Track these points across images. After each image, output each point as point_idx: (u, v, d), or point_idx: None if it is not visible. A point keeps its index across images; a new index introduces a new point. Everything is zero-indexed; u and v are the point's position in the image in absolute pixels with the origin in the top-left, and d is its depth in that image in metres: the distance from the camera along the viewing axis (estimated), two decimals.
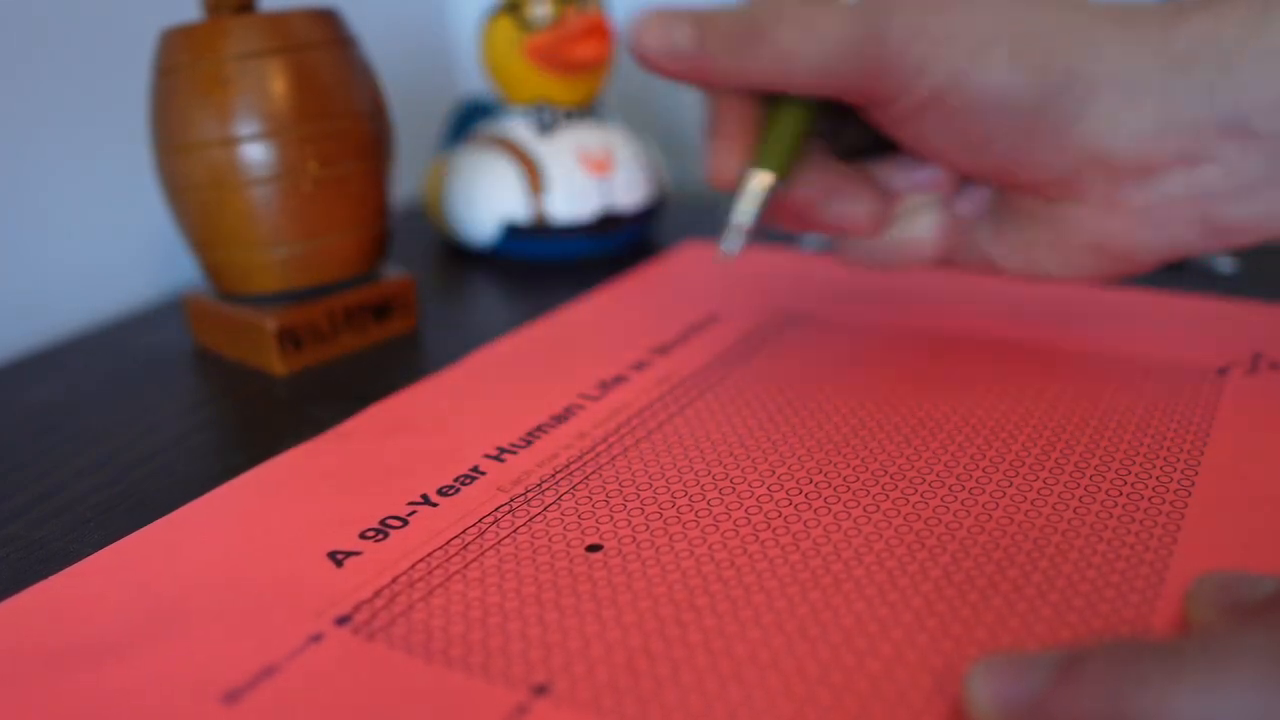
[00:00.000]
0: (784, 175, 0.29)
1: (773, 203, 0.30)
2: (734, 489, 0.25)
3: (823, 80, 0.27)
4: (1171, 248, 0.28)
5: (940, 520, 0.23)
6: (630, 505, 0.25)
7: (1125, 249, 0.28)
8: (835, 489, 0.25)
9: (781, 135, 0.29)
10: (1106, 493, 0.24)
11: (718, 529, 0.24)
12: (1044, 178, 0.28)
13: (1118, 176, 0.27)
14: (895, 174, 0.31)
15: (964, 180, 0.31)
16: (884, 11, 0.27)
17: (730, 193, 0.30)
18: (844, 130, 0.33)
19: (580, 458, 0.28)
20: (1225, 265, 0.40)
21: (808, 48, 0.27)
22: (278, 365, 0.36)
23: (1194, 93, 0.26)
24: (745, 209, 0.29)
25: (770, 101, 0.30)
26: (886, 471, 0.26)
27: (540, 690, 0.19)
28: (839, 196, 0.30)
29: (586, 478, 0.26)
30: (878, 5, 0.27)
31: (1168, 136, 0.26)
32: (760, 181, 0.29)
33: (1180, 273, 0.39)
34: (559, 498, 0.26)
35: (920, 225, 0.31)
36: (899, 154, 0.32)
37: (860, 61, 0.27)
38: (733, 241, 0.29)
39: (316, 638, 0.21)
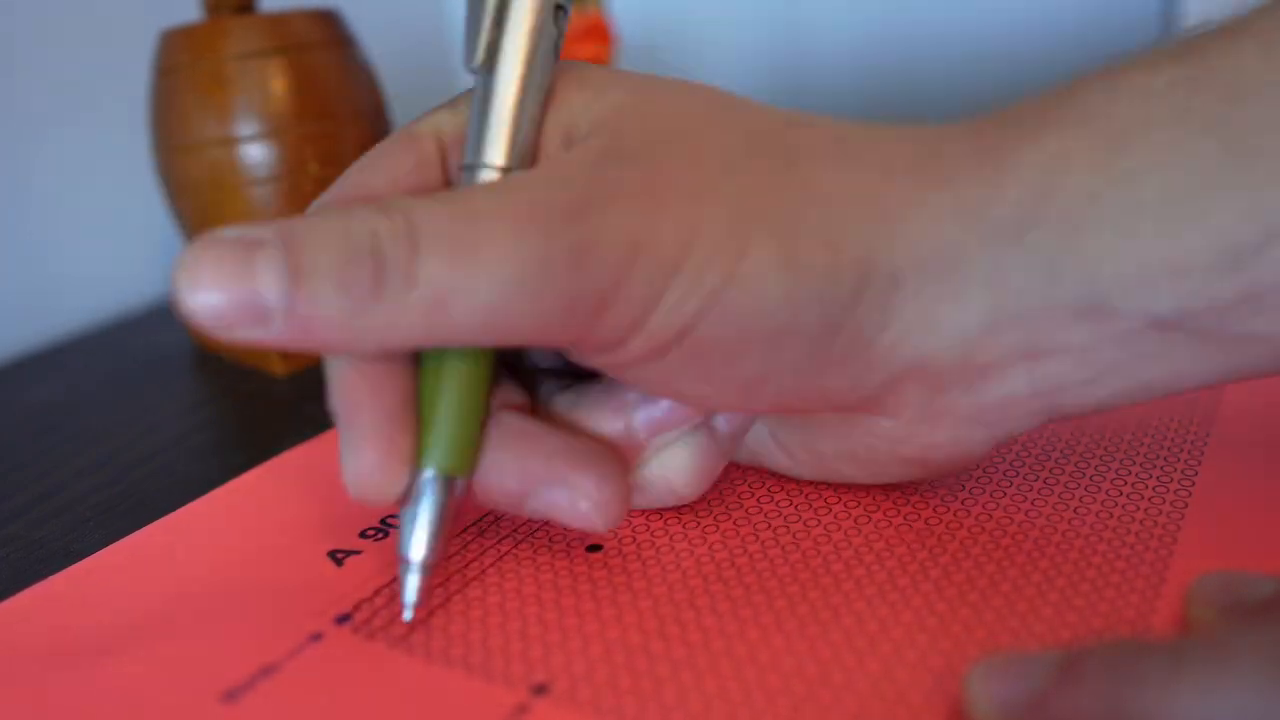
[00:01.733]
0: (468, 469, 0.21)
1: (456, 505, 0.21)
2: (734, 488, 0.25)
3: (500, 332, 0.19)
4: (1006, 439, 0.22)
5: (940, 520, 0.23)
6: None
7: (950, 456, 0.22)
8: (836, 488, 0.25)
9: (454, 411, 0.20)
10: (1107, 493, 0.24)
11: (718, 528, 0.24)
12: (840, 404, 0.21)
13: (940, 385, 0.21)
14: (625, 411, 0.22)
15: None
16: (583, 220, 0.18)
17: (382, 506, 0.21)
18: (536, 357, 0.24)
19: None
20: None
21: (471, 288, 0.18)
22: (278, 365, 0.36)
23: (1030, 270, 0.19)
24: (421, 534, 0.20)
25: (424, 357, 0.21)
26: None
27: (540, 690, 0.19)
28: (549, 483, 0.21)
29: None
30: (572, 204, 0.18)
31: (1002, 331, 0.20)
32: (435, 489, 0.20)
33: None
34: None
35: (674, 462, 0.23)
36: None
37: (557, 297, 0.18)
38: (413, 590, 0.20)
39: (316, 636, 0.21)
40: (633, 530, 0.24)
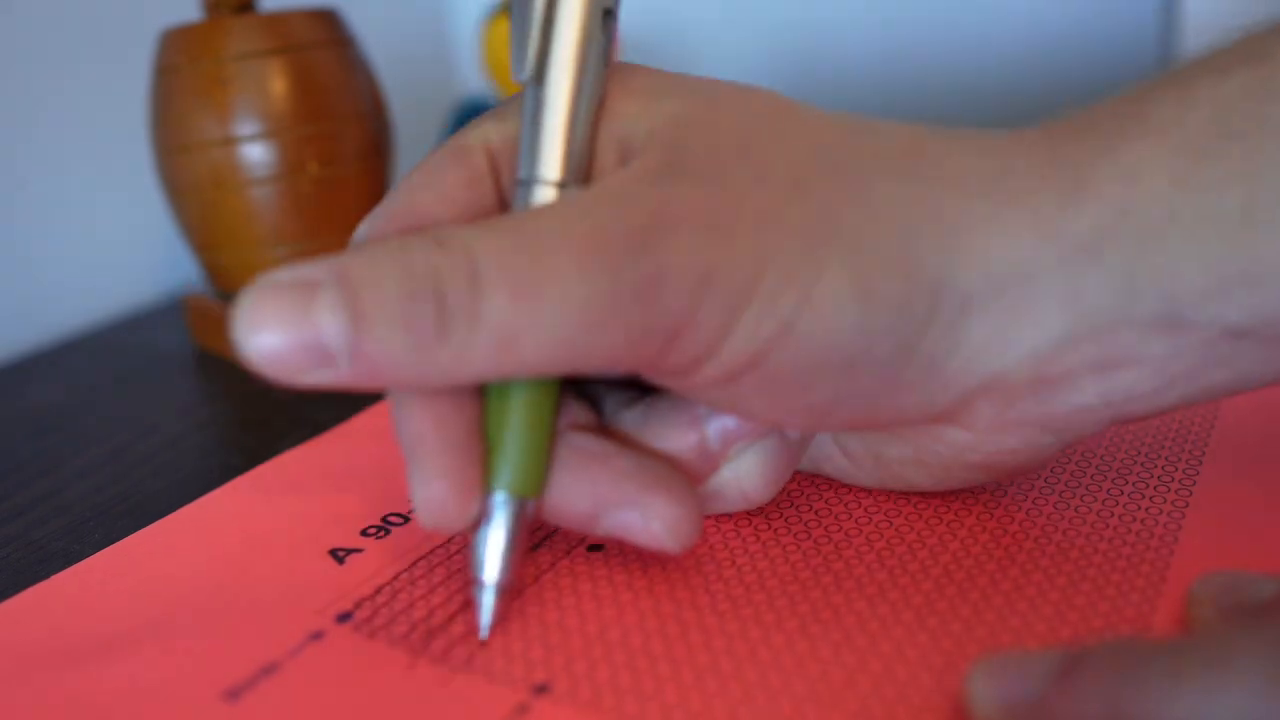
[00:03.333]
0: (538, 490, 0.21)
1: (528, 525, 0.21)
2: None
3: (568, 365, 0.18)
4: (1073, 442, 0.22)
5: (941, 519, 0.23)
6: None
7: (1019, 462, 0.22)
8: (836, 489, 0.25)
9: (523, 433, 0.20)
10: (1108, 492, 0.24)
11: (719, 528, 0.24)
12: (911, 422, 0.22)
13: (1011, 398, 0.21)
14: (697, 425, 0.22)
15: None
16: (649, 250, 0.18)
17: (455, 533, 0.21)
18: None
19: None
20: None
21: (537, 325, 0.18)
22: None
23: (1108, 286, 0.19)
24: (495, 556, 0.20)
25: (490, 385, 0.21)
26: None
27: (541, 689, 0.19)
28: (620, 504, 0.21)
29: None
30: (637, 232, 0.18)
31: (1076, 346, 0.20)
32: (507, 511, 0.20)
33: None
34: None
35: (746, 467, 0.23)
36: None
37: (626, 331, 0.18)
38: (488, 611, 0.20)
39: (317, 635, 0.21)
40: None
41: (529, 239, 0.18)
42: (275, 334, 0.17)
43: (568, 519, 0.21)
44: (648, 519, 0.20)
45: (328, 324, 0.17)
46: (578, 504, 0.21)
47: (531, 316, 0.17)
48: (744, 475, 0.23)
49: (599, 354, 0.18)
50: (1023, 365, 0.20)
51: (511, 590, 0.21)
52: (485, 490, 0.20)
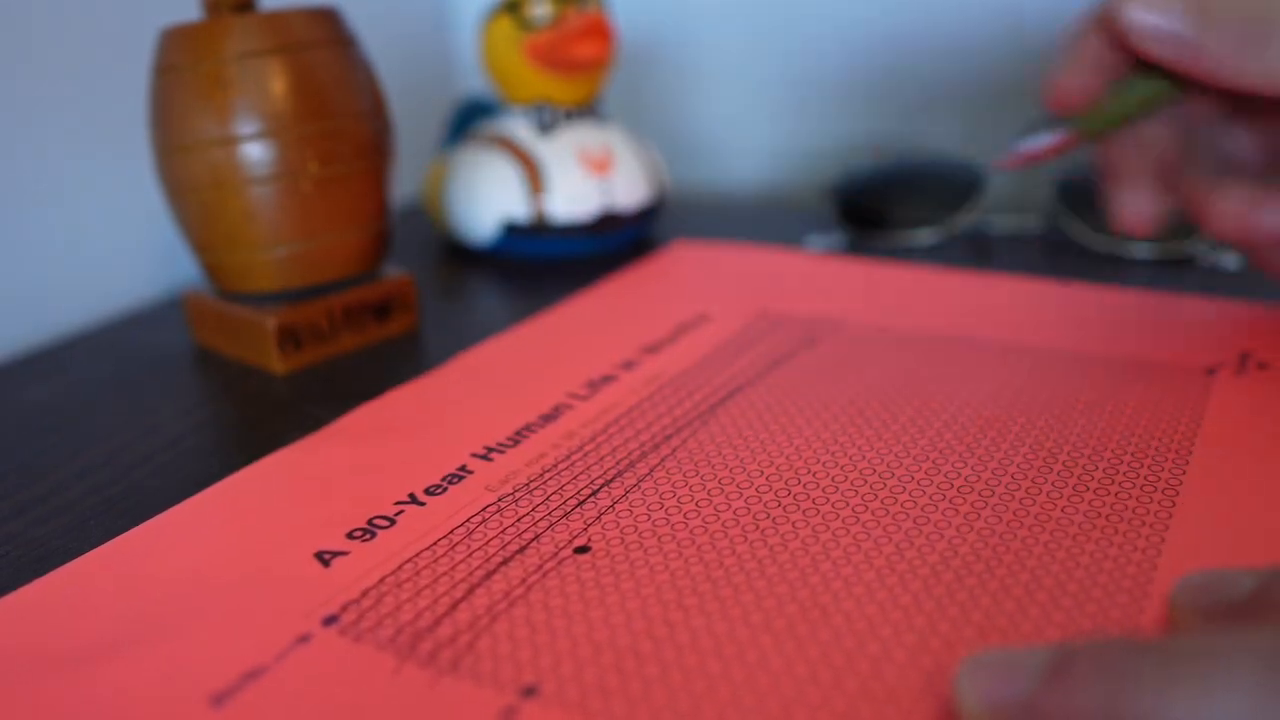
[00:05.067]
0: (1090, 137, 0.32)
1: (1056, 151, 0.33)
2: (722, 489, 0.25)
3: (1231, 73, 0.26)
4: None
5: (928, 519, 0.23)
6: (618, 505, 0.25)
7: None
8: (823, 488, 0.25)
9: (1108, 116, 0.31)
10: (1094, 492, 0.24)
11: (706, 529, 0.24)
12: None
13: None
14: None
15: None
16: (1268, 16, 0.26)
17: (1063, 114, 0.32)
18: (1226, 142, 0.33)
19: (568, 457, 0.28)
20: (1230, 263, 0.39)
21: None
22: (277, 364, 0.36)
23: None
24: (1032, 142, 0.32)
25: (1120, 79, 0.31)
26: (875, 470, 0.26)
27: (529, 692, 0.19)
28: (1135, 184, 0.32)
29: (574, 478, 0.26)
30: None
31: None
32: (1058, 136, 0.32)
33: (1186, 270, 0.39)
34: (547, 498, 0.26)
35: None
36: None
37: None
38: (1005, 159, 0.33)
39: (304, 638, 0.21)
40: (620, 531, 0.24)
41: None
42: (1146, 13, 0.27)
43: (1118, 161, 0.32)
44: (1137, 196, 0.32)
45: (1178, 21, 0.27)
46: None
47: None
48: None
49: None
50: None
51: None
52: (1068, 122, 0.31)
